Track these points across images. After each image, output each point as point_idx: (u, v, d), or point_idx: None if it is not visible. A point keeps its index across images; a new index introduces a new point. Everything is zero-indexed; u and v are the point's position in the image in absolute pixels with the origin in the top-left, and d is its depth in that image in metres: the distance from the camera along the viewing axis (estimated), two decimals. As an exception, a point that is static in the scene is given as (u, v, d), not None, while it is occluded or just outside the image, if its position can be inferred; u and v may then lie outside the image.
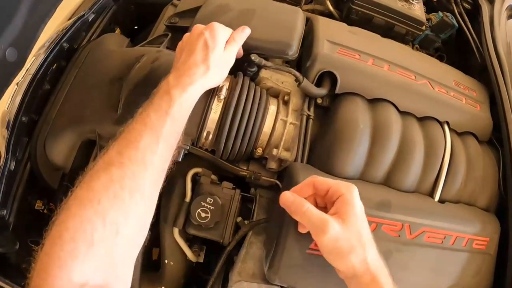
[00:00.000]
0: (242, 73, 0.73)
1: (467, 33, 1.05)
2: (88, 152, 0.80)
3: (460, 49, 1.12)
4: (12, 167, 0.78)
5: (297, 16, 0.82)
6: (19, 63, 0.73)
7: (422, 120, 0.81)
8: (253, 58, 0.69)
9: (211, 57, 0.61)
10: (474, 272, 0.75)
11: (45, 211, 0.88)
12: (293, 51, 0.75)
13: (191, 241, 0.76)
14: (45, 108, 0.83)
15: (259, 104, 0.70)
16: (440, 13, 1.06)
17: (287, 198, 0.57)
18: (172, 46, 0.85)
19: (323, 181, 0.57)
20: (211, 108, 0.68)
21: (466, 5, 1.12)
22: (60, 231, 0.45)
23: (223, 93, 0.68)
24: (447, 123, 0.83)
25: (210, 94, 0.69)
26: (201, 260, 0.76)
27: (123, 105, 0.74)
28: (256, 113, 0.69)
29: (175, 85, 0.58)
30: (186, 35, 0.67)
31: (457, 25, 1.06)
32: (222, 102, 0.68)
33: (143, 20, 1.20)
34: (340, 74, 0.74)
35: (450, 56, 1.14)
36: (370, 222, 0.64)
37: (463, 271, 0.73)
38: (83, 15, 0.93)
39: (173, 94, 0.57)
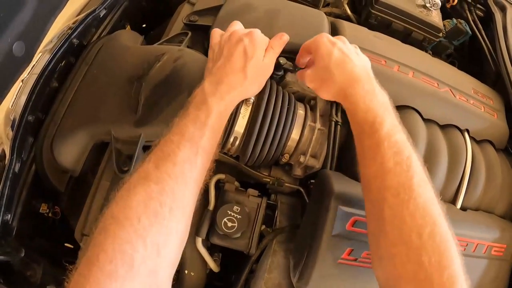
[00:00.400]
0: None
1: (481, 41, 1.06)
2: (98, 155, 0.77)
3: (473, 56, 1.13)
4: (17, 169, 0.75)
5: (323, 20, 0.81)
6: (27, 58, 0.69)
7: (444, 127, 0.82)
8: (281, 61, 0.68)
9: (250, 65, 0.59)
10: (492, 278, 0.76)
11: (49, 214, 0.86)
12: (322, 55, 0.74)
13: (209, 249, 0.74)
14: (52, 106, 0.80)
15: (288, 108, 0.68)
16: (454, 20, 1.08)
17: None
18: (193, 45, 0.83)
19: (305, 43, 0.66)
20: (240, 112, 0.66)
21: (479, 12, 1.14)
22: (98, 252, 0.42)
23: (252, 97, 0.66)
24: (467, 130, 0.84)
25: None
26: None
27: (142, 106, 0.71)
28: (286, 118, 0.68)
29: (212, 93, 0.56)
30: (217, 33, 0.65)
31: (470, 32, 1.08)
32: (251, 106, 0.67)
33: (154, 17, 1.18)
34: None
35: (461, 63, 1.15)
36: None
37: (482, 277, 0.75)
38: (95, 10, 0.90)
39: (210, 103, 0.54)
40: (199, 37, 0.84)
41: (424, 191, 0.50)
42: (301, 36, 0.72)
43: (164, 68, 0.73)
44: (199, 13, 0.87)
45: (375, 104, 0.56)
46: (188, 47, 0.82)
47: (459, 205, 0.77)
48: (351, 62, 0.60)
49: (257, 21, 0.76)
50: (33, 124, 0.77)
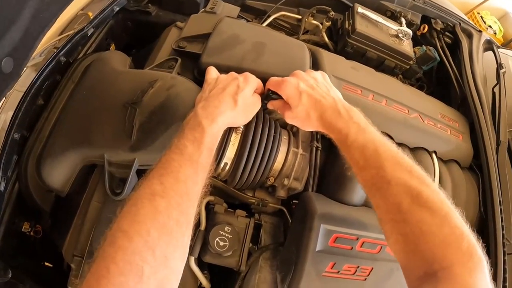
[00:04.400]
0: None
1: (448, 67, 1.21)
2: (84, 176, 0.81)
3: (441, 80, 1.28)
4: (2, 188, 0.77)
5: (305, 52, 0.93)
6: (14, 75, 0.71)
7: (414, 150, 0.95)
8: (271, 93, 0.78)
9: (240, 95, 0.70)
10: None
11: (31, 233, 0.89)
12: (304, 87, 0.85)
13: (199, 267, 0.82)
14: (37, 124, 0.83)
15: (274, 136, 0.79)
16: (424, 47, 1.22)
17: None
18: (182, 72, 0.91)
19: (272, 83, 0.77)
20: (230, 140, 0.76)
21: (447, 39, 1.30)
22: (107, 265, 0.46)
23: (241, 126, 0.76)
24: (435, 152, 0.98)
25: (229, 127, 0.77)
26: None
27: (137, 131, 0.77)
28: (272, 145, 0.79)
29: (205, 116, 0.66)
30: (214, 70, 0.80)
31: (438, 58, 1.23)
32: (240, 135, 0.77)
33: (138, 37, 1.25)
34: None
35: (430, 86, 1.30)
36: (375, 245, 0.76)
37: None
38: (83, 29, 0.95)
39: (204, 125, 0.64)
40: (188, 63, 0.92)
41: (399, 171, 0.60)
42: (286, 68, 0.83)
43: (158, 95, 0.80)
44: (187, 40, 0.95)
45: (340, 123, 0.69)
46: (178, 73, 0.89)
47: (427, 220, 0.89)
48: (319, 100, 0.72)
49: (244, 54, 0.86)
50: (18, 142, 0.80)
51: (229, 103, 0.69)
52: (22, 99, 0.81)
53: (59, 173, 0.78)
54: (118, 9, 1.09)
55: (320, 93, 0.73)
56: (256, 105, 0.76)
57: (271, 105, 0.80)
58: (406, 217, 0.56)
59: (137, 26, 1.25)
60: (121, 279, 0.45)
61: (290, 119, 0.75)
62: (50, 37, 1.13)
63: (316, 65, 0.94)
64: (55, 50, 0.92)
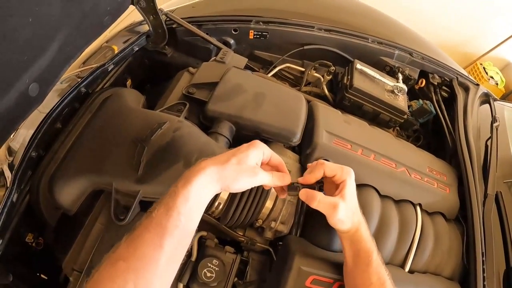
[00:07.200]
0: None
1: (442, 120, 1.28)
2: (92, 199, 0.88)
3: (436, 132, 1.35)
4: (15, 199, 0.84)
5: (302, 105, 1.01)
6: (39, 99, 0.78)
7: (398, 202, 1.01)
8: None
9: (229, 167, 0.66)
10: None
11: (33, 244, 0.95)
12: (297, 139, 0.94)
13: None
14: (53, 145, 0.92)
15: (264, 184, 0.88)
16: (421, 101, 1.30)
17: (303, 194, 0.76)
18: (189, 116, 1.01)
19: (330, 168, 0.77)
20: (224, 184, 0.85)
21: (444, 93, 1.36)
22: None
23: None
24: (420, 205, 1.04)
25: None
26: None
27: (144, 166, 0.86)
28: (262, 192, 0.87)
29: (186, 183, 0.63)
30: (254, 157, 0.71)
31: (434, 111, 1.29)
32: None
33: (153, 74, 1.38)
34: (333, 162, 0.92)
35: (427, 137, 1.36)
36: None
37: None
38: (104, 65, 1.07)
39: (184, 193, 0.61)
40: (195, 108, 1.02)
41: None
42: (281, 120, 0.92)
43: (164, 136, 0.90)
44: (196, 86, 1.05)
45: (368, 243, 0.77)
46: (185, 117, 0.99)
47: (407, 268, 0.95)
48: (360, 222, 0.79)
49: (245, 104, 0.95)
50: (34, 159, 0.89)
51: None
52: (43, 121, 0.91)
53: (70, 193, 0.86)
54: (137, 48, 1.21)
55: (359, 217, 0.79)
56: (250, 182, 0.70)
57: (316, 203, 0.74)
58: None
59: (153, 64, 1.36)
60: None
61: (333, 224, 0.77)
62: (74, 66, 1.23)
63: (311, 118, 1.02)
64: (78, 80, 1.03)
